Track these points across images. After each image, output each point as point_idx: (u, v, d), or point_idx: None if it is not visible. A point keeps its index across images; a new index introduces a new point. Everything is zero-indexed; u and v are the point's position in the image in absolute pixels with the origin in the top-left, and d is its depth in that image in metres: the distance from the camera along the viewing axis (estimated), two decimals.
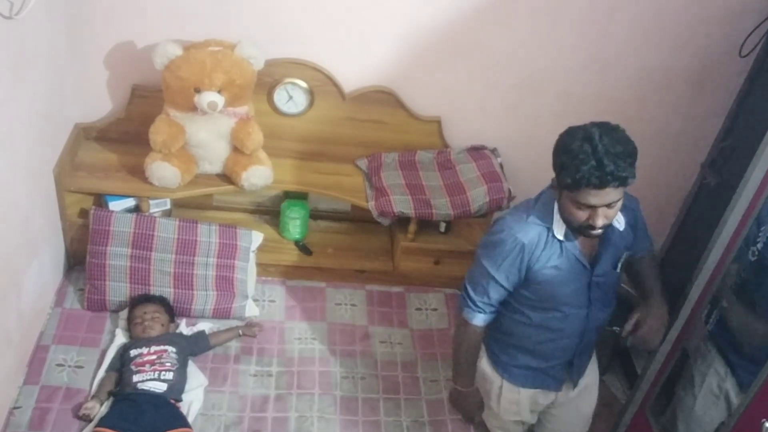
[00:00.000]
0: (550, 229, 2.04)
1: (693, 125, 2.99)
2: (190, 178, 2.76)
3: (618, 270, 2.16)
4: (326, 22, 2.71)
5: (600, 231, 1.96)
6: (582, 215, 1.92)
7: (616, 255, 2.13)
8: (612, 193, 1.87)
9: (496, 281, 2.09)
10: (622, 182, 1.85)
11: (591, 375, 2.41)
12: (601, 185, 1.83)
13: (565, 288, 2.10)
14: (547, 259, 2.04)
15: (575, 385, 2.33)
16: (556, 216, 2.02)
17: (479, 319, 2.17)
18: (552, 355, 2.24)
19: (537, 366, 2.27)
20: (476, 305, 2.15)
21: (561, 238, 2.03)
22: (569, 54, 2.83)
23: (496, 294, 2.13)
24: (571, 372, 2.30)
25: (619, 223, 2.07)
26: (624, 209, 2.06)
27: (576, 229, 1.99)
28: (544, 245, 2.04)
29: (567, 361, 2.27)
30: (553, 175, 1.97)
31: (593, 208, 1.89)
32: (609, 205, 1.90)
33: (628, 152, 1.85)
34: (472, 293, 2.14)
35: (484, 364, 2.36)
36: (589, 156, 1.82)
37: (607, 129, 1.88)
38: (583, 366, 2.34)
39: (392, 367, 2.73)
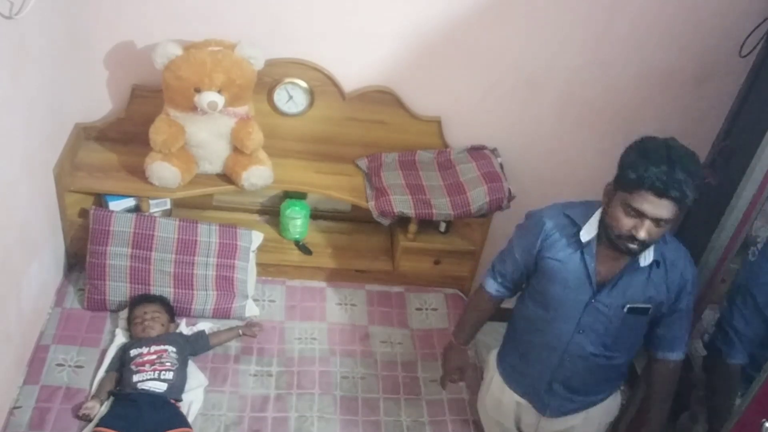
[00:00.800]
0: (576, 227, 2.02)
1: (693, 125, 2.98)
2: (190, 178, 2.76)
3: (626, 311, 2.05)
4: (326, 22, 2.71)
5: (636, 247, 1.90)
6: (628, 223, 1.87)
7: (631, 295, 2.03)
8: (668, 207, 1.82)
9: (512, 253, 2.18)
10: (683, 198, 1.80)
11: (585, 424, 2.29)
12: (663, 193, 1.79)
13: (560, 291, 2.06)
14: (558, 252, 2.03)
15: (554, 414, 2.25)
16: (593, 220, 1.99)
17: (490, 285, 2.26)
18: (534, 363, 2.20)
19: (522, 371, 2.26)
20: (493, 271, 2.26)
21: (584, 240, 2.00)
22: (569, 54, 2.82)
23: (510, 267, 2.20)
24: (551, 398, 2.22)
25: (645, 258, 2.00)
26: (673, 266, 2.02)
27: (614, 239, 1.92)
28: (562, 238, 2.03)
29: (547, 381, 2.19)
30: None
31: (642, 217, 1.84)
32: (657, 222, 1.85)
33: (699, 174, 1.83)
34: (495, 260, 2.27)
35: (493, 354, 2.40)
36: (663, 159, 1.80)
37: (685, 147, 1.87)
38: (567, 402, 2.23)
39: (392, 367, 2.73)
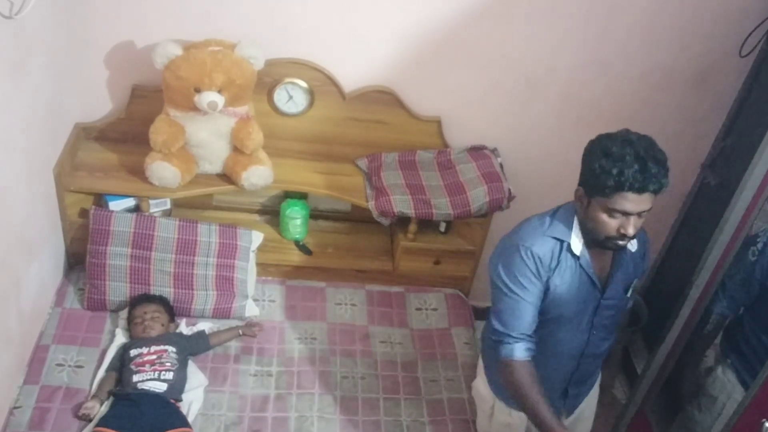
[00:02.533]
0: (564, 244, 1.97)
1: (693, 125, 2.99)
2: (190, 178, 2.76)
3: (628, 295, 2.11)
4: (326, 22, 2.71)
5: (625, 242, 1.92)
6: (614, 224, 1.87)
7: (628, 279, 2.09)
8: (648, 200, 1.84)
9: (523, 302, 1.96)
10: (660, 188, 1.83)
11: (588, 403, 2.34)
12: (643, 189, 1.81)
13: (571, 307, 2.03)
14: (559, 275, 1.98)
15: (569, 413, 2.28)
16: (575, 230, 1.97)
17: (520, 350, 1.96)
18: (547, 379, 2.08)
19: None
20: (511, 336, 1.97)
21: (578, 253, 1.97)
22: (569, 54, 2.82)
23: (528, 317, 1.97)
24: (566, 401, 2.24)
25: (633, 244, 2.03)
26: (641, 239, 2.06)
27: (602, 241, 1.92)
28: (557, 261, 1.98)
29: (562, 389, 2.20)
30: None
31: (627, 215, 1.85)
32: (640, 214, 1.87)
33: (665, 159, 1.85)
34: (500, 327, 1.98)
35: (479, 382, 2.33)
36: (632, 159, 1.80)
37: (642, 136, 1.87)
38: (579, 396, 2.27)
39: (392, 367, 2.73)
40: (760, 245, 2.30)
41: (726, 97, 2.86)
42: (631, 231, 1.87)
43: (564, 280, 1.99)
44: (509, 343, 1.97)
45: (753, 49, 2.68)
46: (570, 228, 1.98)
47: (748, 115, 2.68)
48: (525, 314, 1.97)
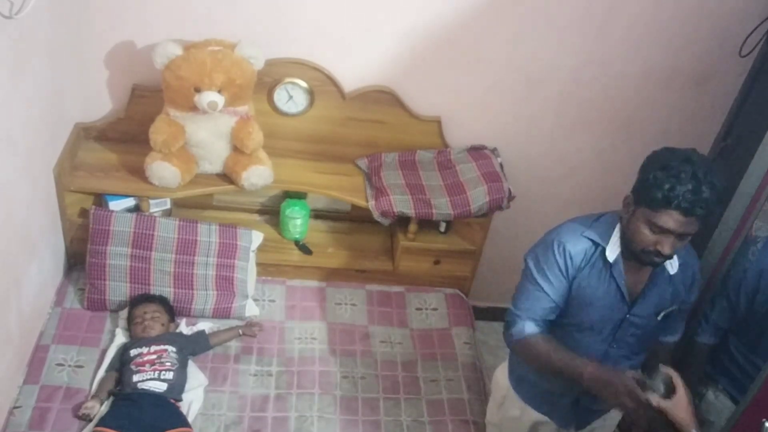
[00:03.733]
0: (599, 248, 1.96)
1: (693, 125, 2.98)
2: (190, 177, 2.76)
3: (659, 319, 2.05)
4: (326, 21, 2.71)
5: (660, 260, 1.89)
6: (652, 239, 1.84)
7: (662, 302, 2.03)
8: (692, 224, 1.80)
9: (540, 290, 1.99)
10: (708, 215, 1.79)
11: (604, 430, 2.30)
12: (690, 211, 1.76)
13: (594, 314, 2.01)
14: (587, 278, 1.97)
15: (579, 429, 2.25)
16: (615, 237, 1.95)
17: (531, 327, 1.99)
18: (559, 382, 2.08)
19: (546, 389, 2.18)
20: (521, 318, 2.01)
21: (611, 260, 1.94)
22: (569, 54, 2.82)
23: (543, 304, 1.99)
24: (578, 414, 2.21)
25: (672, 267, 2.00)
26: (686, 266, 2.02)
27: (638, 253, 1.89)
28: (589, 263, 1.97)
29: (573, 397, 2.16)
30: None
31: (666, 233, 1.81)
32: (681, 236, 1.83)
33: (722, 188, 1.80)
34: (514, 309, 2.02)
35: (500, 370, 2.33)
36: (688, 177, 1.75)
37: (705, 158, 1.84)
38: (592, 414, 2.23)
39: (392, 367, 2.73)
40: (760, 245, 2.30)
41: (726, 97, 2.86)
42: (666, 250, 1.83)
43: (590, 284, 1.97)
44: (519, 323, 2.00)
45: (753, 49, 2.68)
46: (609, 234, 1.96)
47: (748, 115, 2.68)
48: (541, 303, 1.99)
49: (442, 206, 2.80)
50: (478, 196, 2.78)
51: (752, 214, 2.38)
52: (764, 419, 1.86)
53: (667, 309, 2.05)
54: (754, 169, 2.35)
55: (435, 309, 2.98)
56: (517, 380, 2.25)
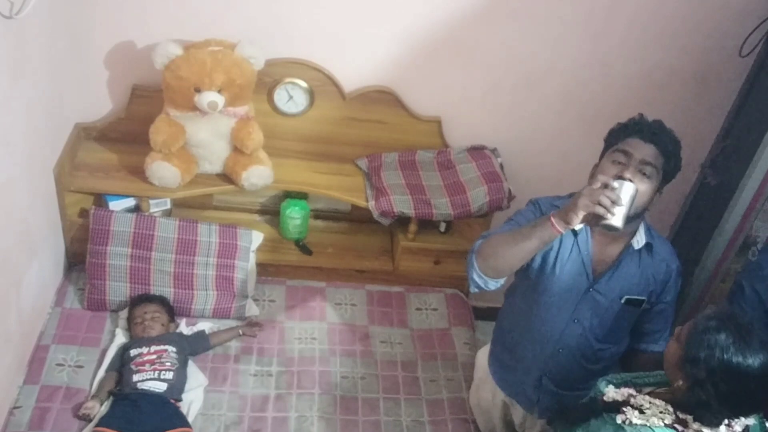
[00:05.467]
0: None
1: (693, 125, 2.98)
2: (190, 178, 2.76)
3: (623, 302, 2.08)
4: (326, 22, 2.71)
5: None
6: (614, 170, 1.91)
7: (628, 286, 2.06)
8: (653, 152, 1.91)
9: (509, 227, 2.08)
10: (666, 149, 1.92)
11: None
12: (650, 138, 1.91)
13: (557, 285, 2.06)
14: (554, 243, 2.02)
15: (541, 415, 2.28)
16: None
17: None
18: (523, 357, 2.21)
19: (511, 366, 2.27)
20: (483, 236, 2.13)
21: (577, 228, 1.95)
22: (569, 54, 2.82)
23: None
24: (540, 395, 2.24)
25: (638, 242, 2.04)
26: (660, 257, 2.06)
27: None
28: None
29: (537, 377, 2.22)
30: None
31: (628, 156, 1.91)
32: (643, 168, 1.90)
33: (676, 140, 1.97)
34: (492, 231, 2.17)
35: (483, 351, 2.42)
36: (642, 119, 1.98)
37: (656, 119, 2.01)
38: (552, 396, 2.24)
39: (392, 367, 2.73)
40: (760, 245, 2.30)
41: (726, 97, 2.86)
42: (628, 173, 1.88)
43: (555, 247, 2.04)
44: (479, 239, 2.08)
45: (753, 49, 2.68)
46: None
47: (748, 115, 2.68)
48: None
49: (442, 206, 2.80)
50: (478, 196, 2.78)
51: (752, 214, 2.39)
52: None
53: (633, 295, 2.07)
54: (754, 169, 2.36)
55: (435, 309, 2.98)
56: (495, 364, 2.33)
